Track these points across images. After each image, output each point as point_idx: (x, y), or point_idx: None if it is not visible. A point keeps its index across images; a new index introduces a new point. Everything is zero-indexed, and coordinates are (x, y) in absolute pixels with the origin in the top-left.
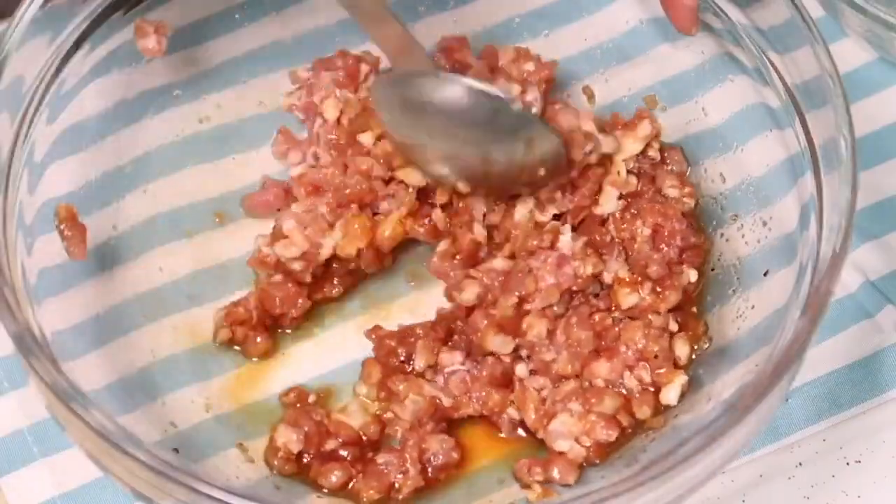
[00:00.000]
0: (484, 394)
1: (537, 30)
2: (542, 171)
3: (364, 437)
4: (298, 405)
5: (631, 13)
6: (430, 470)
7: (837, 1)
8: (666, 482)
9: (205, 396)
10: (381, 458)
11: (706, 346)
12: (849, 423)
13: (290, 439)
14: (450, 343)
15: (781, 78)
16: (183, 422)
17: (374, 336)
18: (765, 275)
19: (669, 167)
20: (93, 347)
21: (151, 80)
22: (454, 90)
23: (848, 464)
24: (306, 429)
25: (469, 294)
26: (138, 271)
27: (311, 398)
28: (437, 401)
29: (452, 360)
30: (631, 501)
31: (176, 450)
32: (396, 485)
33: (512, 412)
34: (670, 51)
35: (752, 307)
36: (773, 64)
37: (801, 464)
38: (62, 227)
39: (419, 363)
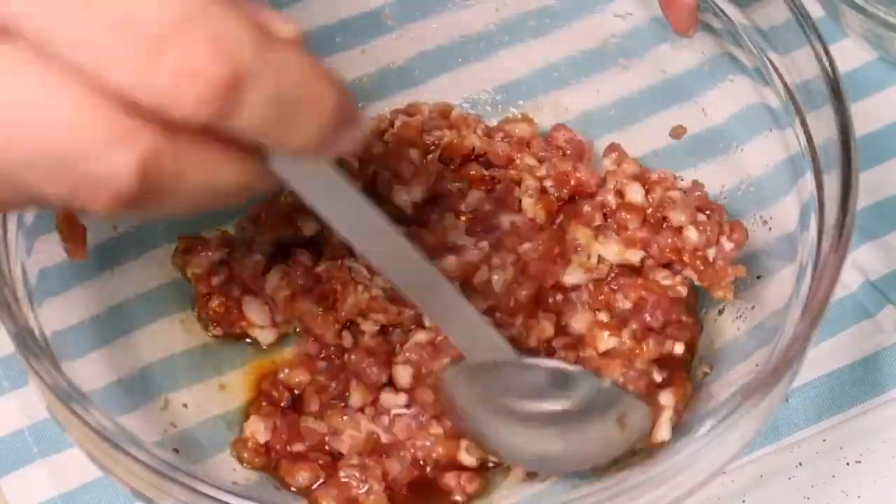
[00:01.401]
0: (428, 444)
1: (536, 30)
2: (625, 441)
3: (327, 448)
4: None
5: (631, 13)
6: (395, 488)
7: (837, 1)
8: (665, 483)
9: (205, 396)
10: (343, 473)
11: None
12: (849, 423)
13: (258, 429)
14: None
15: (781, 78)
16: (183, 422)
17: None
18: (758, 278)
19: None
20: (93, 347)
21: None
22: (540, 378)
23: (848, 464)
24: (277, 423)
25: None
26: (138, 271)
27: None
28: (376, 436)
29: (396, 402)
30: (630, 502)
31: (176, 450)
32: (360, 499)
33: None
34: (670, 51)
35: (752, 307)
36: (773, 64)
37: (801, 464)
38: (62, 227)
39: (354, 400)
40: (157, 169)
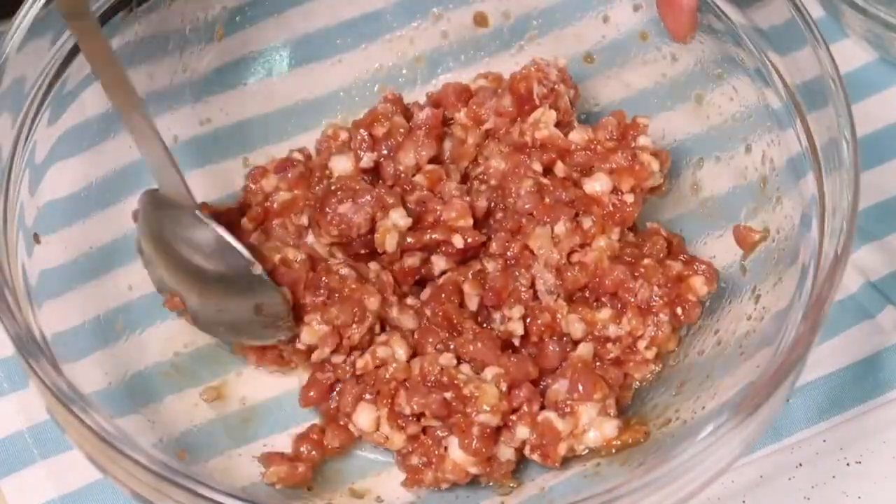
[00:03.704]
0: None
1: (537, 31)
2: (266, 330)
3: None
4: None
5: (631, 13)
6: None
7: (838, 1)
8: (668, 485)
9: (204, 399)
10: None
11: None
12: (849, 424)
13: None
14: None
15: (782, 78)
16: (183, 424)
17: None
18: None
19: None
20: (93, 349)
21: (153, 82)
22: (201, 234)
23: (848, 464)
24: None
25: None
26: (139, 273)
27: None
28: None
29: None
30: None
31: (176, 451)
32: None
33: None
34: (670, 51)
35: (755, 308)
36: (773, 64)
37: (801, 464)
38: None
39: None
40: None
